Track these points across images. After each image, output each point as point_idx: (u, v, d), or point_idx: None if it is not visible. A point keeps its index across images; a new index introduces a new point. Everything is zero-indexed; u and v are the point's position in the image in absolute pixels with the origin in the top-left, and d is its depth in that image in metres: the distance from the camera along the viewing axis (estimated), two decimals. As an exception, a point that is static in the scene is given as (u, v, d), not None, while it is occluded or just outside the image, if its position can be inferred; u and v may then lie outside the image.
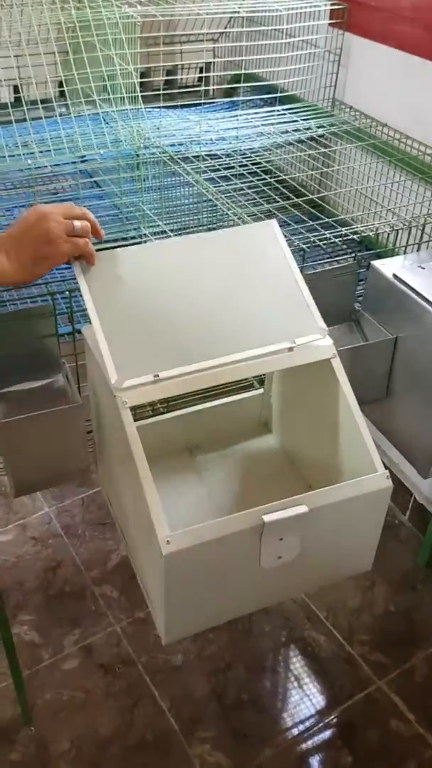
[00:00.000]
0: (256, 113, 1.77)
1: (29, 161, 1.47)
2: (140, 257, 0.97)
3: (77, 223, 0.89)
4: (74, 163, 1.68)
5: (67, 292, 1.04)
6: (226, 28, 2.17)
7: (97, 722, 1.50)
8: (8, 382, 1.08)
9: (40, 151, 1.53)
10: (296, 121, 1.72)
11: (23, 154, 1.52)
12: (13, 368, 1.07)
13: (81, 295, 0.94)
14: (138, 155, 1.72)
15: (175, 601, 0.93)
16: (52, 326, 1.05)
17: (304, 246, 1.18)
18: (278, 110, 1.77)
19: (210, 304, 0.97)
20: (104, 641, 1.64)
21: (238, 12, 1.72)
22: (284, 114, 1.76)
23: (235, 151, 1.65)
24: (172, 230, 1.61)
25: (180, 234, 1.58)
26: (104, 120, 1.93)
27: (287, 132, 1.63)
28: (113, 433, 0.99)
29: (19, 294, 1.24)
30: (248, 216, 1.41)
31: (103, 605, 1.72)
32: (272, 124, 1.70)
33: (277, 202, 1.47)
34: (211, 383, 0.95)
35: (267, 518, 0.89)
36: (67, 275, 1.32)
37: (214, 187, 1.48)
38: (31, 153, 1.53)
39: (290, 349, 0.98)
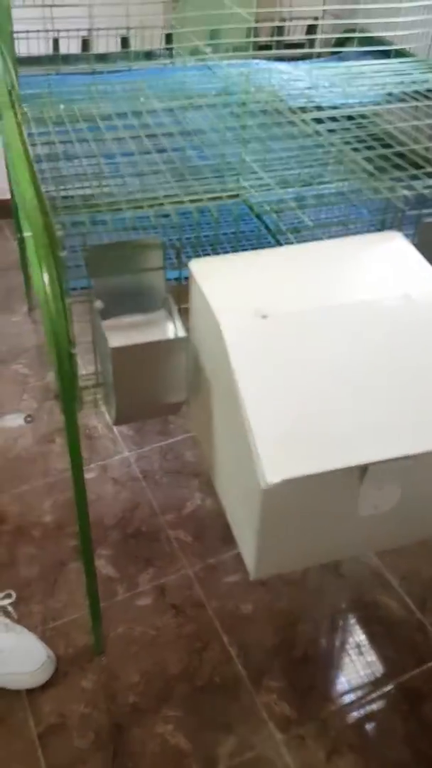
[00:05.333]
0: (368, 65, 1.72)
1: (141, 99, 1.47)
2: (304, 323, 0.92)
3: None
4: (173, 110, 1.66)
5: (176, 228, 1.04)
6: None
7: (166, 660, 1.53)
8: (111, 313, 1.09)
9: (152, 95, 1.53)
10: (411, 74, 1.66)
11: (137, 95, 1.52)
12: (117, 299, 1.08)
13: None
14: (245, 104, 1.70)
15: (269, 537, 0.93)
16: (160, 259, 1.05)
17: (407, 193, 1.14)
18: (391, 63, 1.72)
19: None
20: (177, 583, 1.67)
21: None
22: (397, 67, 1.71)
23: (344, 103, 1.61)
24: (276, 182, 1.58)
25: (284, 186, 1.54)
26: (210, 68, 1.91)
27: (402, 83, 1.58)
28: (217, 372, 0.99)
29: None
30: (362, 171, 1.37)
31: (178, 548, 1.74)
32: (385, 76, 1.65)
33: (385, 155, 1.42)
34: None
35: (371, 467, 0.87)
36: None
37: (311, 141, 1.45)
38: (144, 94, 1.53)
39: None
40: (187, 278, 1.09)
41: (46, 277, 1.05)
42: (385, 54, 1.84)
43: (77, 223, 1.15)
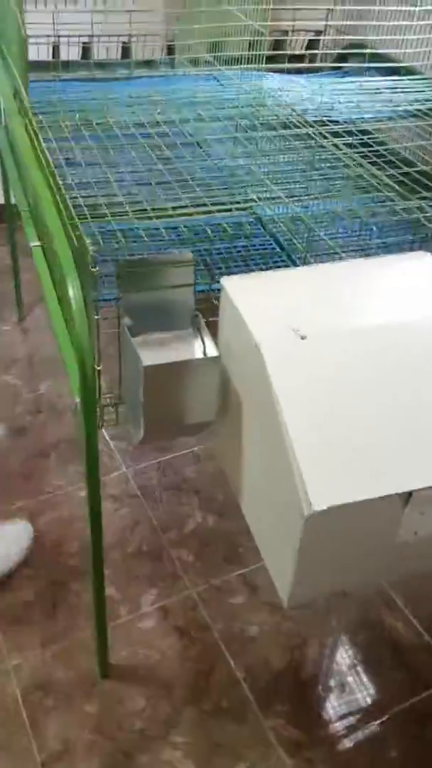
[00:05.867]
0: (380, 81, 1.72)
1: (158, 110, 1.44)
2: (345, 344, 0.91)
3: None
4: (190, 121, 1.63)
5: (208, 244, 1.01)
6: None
7: (172, 684, 1.49)
8: (137, 329, 1.05)
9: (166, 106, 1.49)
10: (423, 91, 1.66)
11: (152, 105, 1.49)
12: (143, 315, 1.04)
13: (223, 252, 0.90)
14: (258, 116, 1.68)
15: (307, 564, 0.90)
16: (191, 275, 1.02)
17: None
18: (403, 80, 1.71)
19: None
20: (181, 604, 1.63)
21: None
22: (409, 84, 1.70)
23: (360, 118, 1.60)
24: (288, 196, 1.55)
25: (296, 200, 1.52)
26: (217, 79, 1.89)
27: (416, 101, 1.57)
28: (251, 392, 0.96)
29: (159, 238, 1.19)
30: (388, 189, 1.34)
31: (180, 568, 1.70)
32: (398, 92, 1.64)
33: (391, 173, 1.39)
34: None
35: (416, 493, 0.85)
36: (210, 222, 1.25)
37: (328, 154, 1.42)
38: (159, 105, 1.49)
39: None
40: (212, 290, 1.06)
41: (72, 292, 1.01)
42: (392, 71, 1.83)
43: (102, 233, 1.13)
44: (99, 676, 1.48)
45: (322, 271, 1.07)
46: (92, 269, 0.95)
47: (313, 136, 1.45)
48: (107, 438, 2.03)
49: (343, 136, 1.48)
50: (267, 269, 1.33)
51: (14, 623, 1.56)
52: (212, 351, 1.00)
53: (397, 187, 1.24)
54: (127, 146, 1.31)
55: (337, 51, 2.15)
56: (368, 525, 0.89)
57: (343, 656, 1.58)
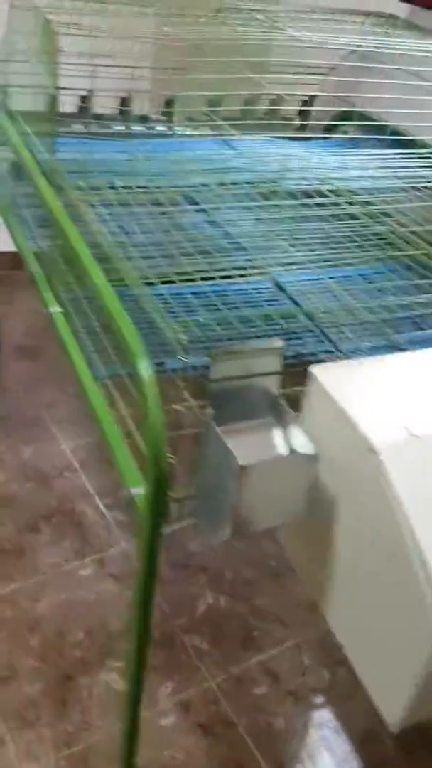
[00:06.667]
0: (398, 154, 1.72)
1: (197, 179, 1.38)
2: None
3: None
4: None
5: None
6: (344, 60, 2.12)
7: (201, 790, 1.37)
8: (217, 417, 0.97)
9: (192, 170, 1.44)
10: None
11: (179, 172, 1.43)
12: (224, 402, 0.96)
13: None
14: (276, 182, 1.65)
15: (426, 688, 0.83)
16: (277, 364, 0.95)
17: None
18: (421, 152, 1.71)
19: None
20: (201, 698, 1.51)
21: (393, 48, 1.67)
22: (422, 159, 1.70)
23: (383, 188, 1.58)
24: (312, 261, 1.51)
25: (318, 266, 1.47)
26: (228, 144, 1.86)
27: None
28: (352, 493, 0.89)
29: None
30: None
31: (195, 657, 1.59)
32: (407, 168, 1.64)
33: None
34: None
35: None
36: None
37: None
38: (190, 171, 1.44)
39: None
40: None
41: (144, 375, 0.92)
42: (401, 143, 1.84)
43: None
44: (122, 786, 1.34)
45: (419, 358, 1.02)
46: (182, 358, 0.87)
47: (355, 201, 1.42)
48: (102, 508, 1.91)
49: (379, 207, 1.46)
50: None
51: (22, 725, 1.41)
52: (306, 446, 0.92)
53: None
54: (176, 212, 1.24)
55: (347, 123, 2.16)
56: None
57: (376, 745, 1.50)
